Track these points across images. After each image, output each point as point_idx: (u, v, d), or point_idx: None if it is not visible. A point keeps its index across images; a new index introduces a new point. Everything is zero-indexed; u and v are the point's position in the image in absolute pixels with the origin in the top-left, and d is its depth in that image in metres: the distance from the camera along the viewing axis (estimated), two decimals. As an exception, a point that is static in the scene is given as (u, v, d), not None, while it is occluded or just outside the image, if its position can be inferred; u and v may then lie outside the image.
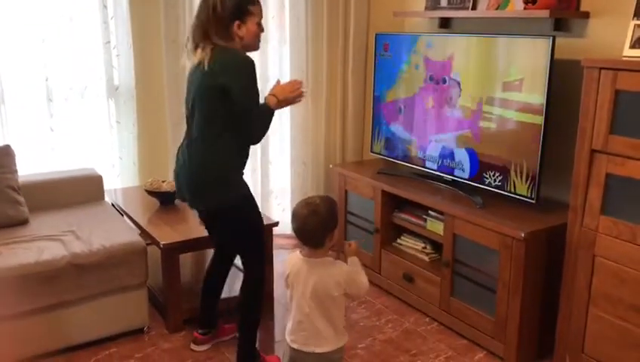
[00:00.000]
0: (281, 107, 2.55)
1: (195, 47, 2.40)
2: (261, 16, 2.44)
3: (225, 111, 2.36)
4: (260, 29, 2.46)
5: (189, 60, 2.48)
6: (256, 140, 2.51)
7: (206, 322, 2.89)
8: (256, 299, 2.65)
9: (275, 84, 2.60)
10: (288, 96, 2.52)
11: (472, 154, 3.09)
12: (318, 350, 2.08)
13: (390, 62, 3.56)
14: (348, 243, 2.21)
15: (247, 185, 2.54)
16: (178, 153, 2.58)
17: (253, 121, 2.42)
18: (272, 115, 2.49)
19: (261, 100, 2.46)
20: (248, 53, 2.41)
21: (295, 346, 2.11)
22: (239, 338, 2.67)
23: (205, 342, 2.88)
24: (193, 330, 2.91)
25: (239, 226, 2.56)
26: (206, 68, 2.33)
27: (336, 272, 2.07)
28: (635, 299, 2.28)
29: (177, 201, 3.28)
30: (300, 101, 2.60)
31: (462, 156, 3.15)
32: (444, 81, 3.20)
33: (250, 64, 2.35)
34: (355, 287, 2.11)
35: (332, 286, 2.06)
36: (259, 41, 2.48)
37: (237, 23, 2.36)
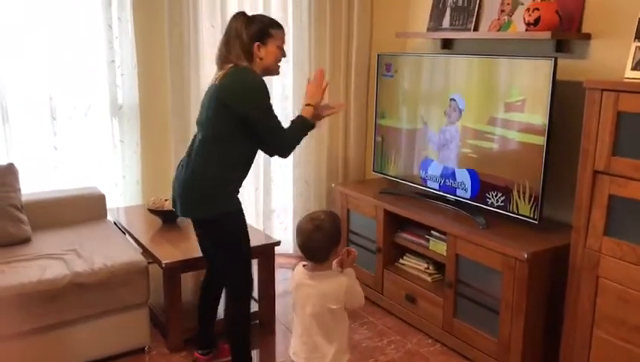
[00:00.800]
0: (319, 118, 2.62)
1: (220, 69, 2.48)
2: (283, 41, 2.51)
3: (230, 127, 2.40)
4: (282, 53, 2.52)
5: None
6: (283, 154, 2.56)
7: (205, 342, 2.87)
8: (243, 325, 2.63)
9: (307, 86, 2.63)
10: (317, 98, 2.57)
11: (474, 175, 3.10)
12: None
13: (392, 82, 3.58)
14: (347, 251, 2.17)
15: (239, 204, 2.53)
16: (180, 163, 2.61)
17: (283, 137, 2.47)
18: (304, 127, 2.53)
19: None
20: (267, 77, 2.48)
21: (296, 359, 2.11)
22: (232, 356, 2.66)
23: (206, 362, 2.87)
24: (194, 350, 2.90)
25: (223, 241, 2.54)
26: (216, 83, 2.40)
27: (336, 285, 2.08)
28: (640, 321, 2.26)
29: (180, 220, 3.28)
30: (337, 112, 2.70)
31: (464, 176, 3.15)
32: (446, 102, 3.21)
33: (259, 83, 2.40)
34: (354, 299, 2.12)
35: (331, 300, 2.06)
36: (279, 65, 2.54)
37: (257, 44, 2.42)
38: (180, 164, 2.60)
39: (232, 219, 2.51)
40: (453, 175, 3.22)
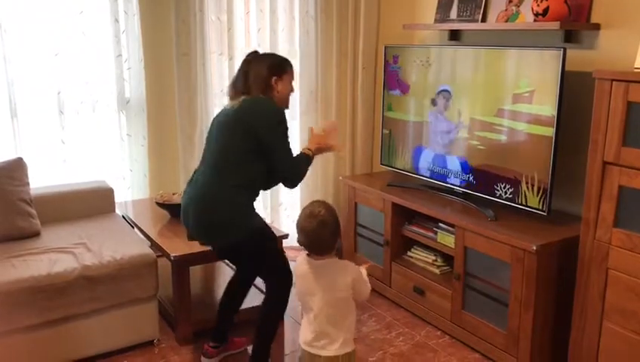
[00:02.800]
0: (320, 152, 2.75)
1: (234, 97, 2.60)
2: (293, 77, 2.68)
3: (251, 152, 2.49)
4: (292, 87, 2.68)
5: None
6: (294, 184, 2.66)
7: (219, 336, 2.88)
8: (274, 325, 2.67)
9: (310, 133, 2.78)
10: (322, 147, 2.72)
11: (482, 166, 3.08)
12: (324, 353, 2.08)
13: (400, 74, 3.57)
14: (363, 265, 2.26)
15: (256, 219, 2.60)
16: (187, 188, 2.64)
17: (290, 167, 2.57)
18: (308, 162, 2.66)
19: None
20: None
21: (305, 347, 2.12)
22: (253, 351, 2.67)
23: (215, 355, 2.87)
24: (203, 343, 2.91)
25: (250, 261, 2.66)
26: (240, 108, 2.50)
27: (343, 272, 2.08)
28: (650, 312, 2.25)
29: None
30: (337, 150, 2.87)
31: (472, 168, 3.14)
32: (454, 93, 3.19)
33: (283, 112, 2.55)
34: (361, 289, 2.13)
35: (340, 286, 2.06)
36: (289, 99, 2.69)
37: (275, 78, 2.57)
38: (187, 186, 2.64)
39: (262, 232, 2.62)
40: (462, 166, 3.20)
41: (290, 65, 2.65)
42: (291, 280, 2.63)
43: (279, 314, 2.68)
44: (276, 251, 2.71)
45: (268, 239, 2.66)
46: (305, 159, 2.64)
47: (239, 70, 2.61)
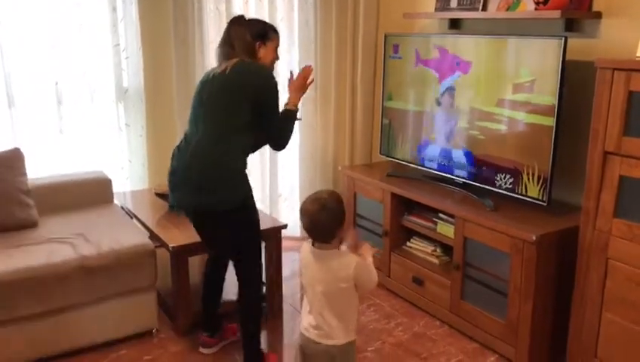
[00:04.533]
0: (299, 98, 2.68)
1: (221, 60, 2.57)
2: (278, 44, 2.66)
3: (247, 114, 2.46)
4: (276, 55, 2.65)
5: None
6: (283, 146, 2.63)
7: (210, 325, 2.89)
8: (255, 311, 2.67)
9: (290, 80, 2.69)
10: (299, 92, 2.66)
11: (482, 156, 3.07)
12: (325, 342, 2.07)
13: (400, 63, 3.54)
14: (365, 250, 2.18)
15: (250, 188, 2.58)
16: (176, 154, 2.60)
17: (278, 130, 2.56)
18: (293, 118, 2.61)
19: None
20: None
21: (306, 334, 2.11)
22: (243, 341, 2.68)
23: (213, 344, 2.88)
24: (201, 333, 2.91)
25: (236, 231, 2.55)
26: (230, 73, 2.45)
27: (345, 263, 2.06)
28: (650, 302, 2.25)
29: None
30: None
31: (472, 158, 3.12)
32: (455, 82, 3.17)
33: (274, 77, 2.54)
34: (364, 280, 2.07)
35: (342, 278, 2.05)
36: (273, 65, 2.66)
37: (259, 43, 2.56)
38: (175, 152, 2.60)
39: (252, 202, 2.59)
40: (462, 157, 3.19)
41: (275, 32, 2.63)
42: (261, 263, 2.66)
43: (256, 301, 2.67)
44: (258, 227, 2.65)
45: (255, 214, 2.63)
46: (290, 116, 2.60)
47: (225, 33, 2.57)
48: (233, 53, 2.51)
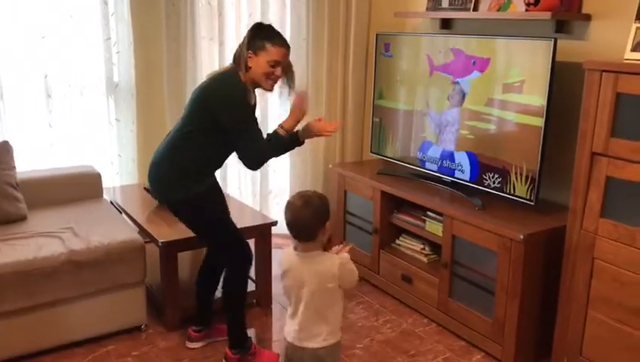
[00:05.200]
0: (312, 136, 2.67)
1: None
2: (275, 59, 2.47)
3: (204, 125, 2.49)
4: (272, 70, 2.49)
5: None
6: (253, 167, 2.63)
7: (201, 319, 2.90)
8: (235, 299, 2.71)
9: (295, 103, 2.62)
10: (294, 118, 2.59)
11: (471, 156, 3.09)
12: (311, 345, 2.08)
13: (391, 62, 3.56)
14: (345, 245, 2.20)
15: (201, 186, 2.57)
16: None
17: (253, 149, 2.51)
18: (278, 145, 2.58)
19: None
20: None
21: (290, 340, 2.11)
22: (227, 327, 2.72)
23: (200, 340, 2.89)
24: (191, 327, 2.91)
25: (194, 224, 2.68)
26: (206, 81, 2.54)
27: (329, 264, 2.07)
28: (634, 302, 2.28)
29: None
30: (330, 134, 2.72)
31: (461, 157, 3.15)
32: (444, 82, 3.19)
33: (240, 91, 2.45)
34: (348, 278, 2.10)
35: (327, 278, 2.06)
36: (268, 80, 2.52)
37: (250, 52, 2.47)
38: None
39: (194, 202, 2.57)
40: (451, 156, 3.21)
41: (276, 45, 2.46)
42: (247, 256, 2.68)
43: (240, 291, 2.72)
44: (223, 226, 2.67)
45: (209, 210, 2.63)
46: (275, 141, 2.56)
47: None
48: (234, 58, 2.54)
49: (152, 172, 2.62)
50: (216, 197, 2.72)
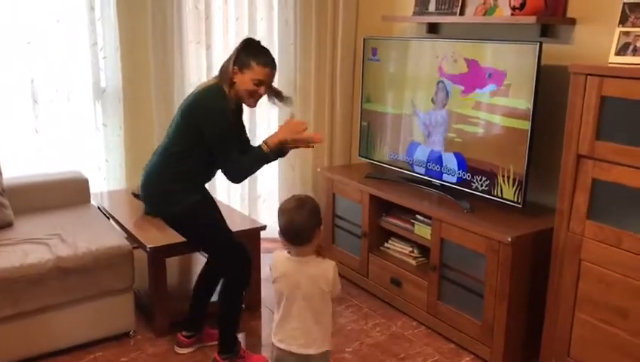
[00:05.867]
0: (293, 147, 2.64)
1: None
2: (260, 78, 2.49)
3: (188, 140, 2.53)
4: (256, 88, 2.51)
5: None
6: (235, 181, 2.65)
7: (192, 325, 2.88)
8: (231, 306, 2.71)
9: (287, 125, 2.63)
10: (281, 137, 2.56)
11: (459, 159, 3.11)
12: (303, 351, 2.07)
13: (378, 66, 3.57)
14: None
15: (191, 198, 2.59)
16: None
17: (234, 164, 2.54)
18: (259, 159, 2.57)
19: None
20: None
21: (281, 346, 2.11)
22: (219, 331, 2.71)
23: (189, 345, 2.88)
24: (180, 332, 2.89)
25: (191, 236, 2.72)
26: (191, 95, 2.56)
27: (325, 267, 2.08)
28: (621, 302, 2.30)
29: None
30: (312, 146, 2.71)
31: (449, 160, 3.16)
32: (432, 86, 3.21)
33: (219, 104, 2.47)
34: (338, 285, 2.13)
35: (323, 283, 2.06)
36: (251, 98, 2.55)
37: (235, 68, 2.49)
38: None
39: (188, 213, 2.60)
40: (439, 159, 3.23)
41: (262, 64, 2.48)
42: (245, 262, 2.68)
43: (236, 298, 2.71)
44: (219, 234, 2.68)
45: (202, 220, 2.64)
46: (258, 156, 2.56)
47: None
48: (221, 73, 2.55)
49: (145, 188, 2.65)
50: (212, 205, 2.77)
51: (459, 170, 3.11)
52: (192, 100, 2.53)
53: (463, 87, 3.02)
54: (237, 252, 2.66)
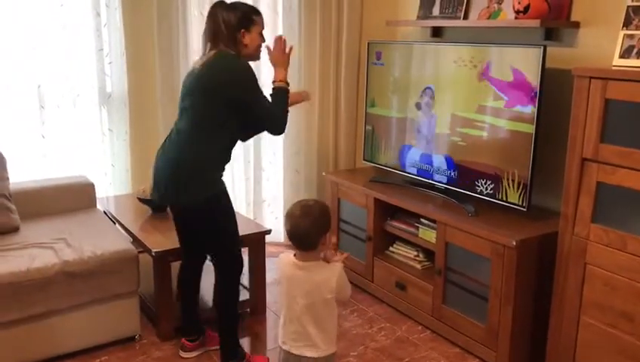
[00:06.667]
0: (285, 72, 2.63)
1: (203, 54, 2.54)
2: (263, 27, 2.58)
3: (220, 113, 2.45)
4: (262, 38, 2.58)
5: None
6: (281, 131, 2.61)
7: (191, 328, 2.89)
8: (232, 302, 2.70)
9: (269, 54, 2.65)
10: (282, 66, 2.60)
11: (464, 163, 3.11)
12: (308, 354, 2.08)
13: (382, 70, 3.58)
14: (340, 253, 2.21)
15: (223, 185, 2.58)
16: (161, 147, 2.62)
17: (271, 114, 2.53)
18: (285, 97, 2.58)
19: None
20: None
21: (286, 348, 2.12)
22: (220, 338, 2.71)
23: (193, 349, 2.88)
24: (182, 338, 2.90)
25: (211, 226, 2.60)
26: (204, 69, 2.43)
27: (329, 274, 2.08)
28: (626, 306, 2.29)
29: (169, 209, 3.28)
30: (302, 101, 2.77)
31: (454, 164, 3.16)
32: (437, 90, 3.21)
33: (249, 69, 2.47)
34: (344, 290, 2.12)
35: (326, 289, 2.06)
36: (259, 49, 2.60)
37: (242, 31, 2.48)
38: (159, 151, 2.61)
39: (221, 200, 2.56)
40: (443, 163, 3.23)
41: (258, 14, 2.54)
42: (241, 260, 2.67)
43: (235, 300, 2.70)
44: (233, 225, 2.66)
45: (229, 210, 2.63)
46: (280, 94, 2.57)
47: (207, 21, 2.51)
48: (216, 41, 2.47)
49: (168, 174, 2.51)
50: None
51: (463, 173, 3.11)
52: (215, 73, 2.42)
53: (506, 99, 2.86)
54: (238, 252, 2.68)
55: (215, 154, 2.51)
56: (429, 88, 3.25)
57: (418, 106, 3.33)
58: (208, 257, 2.85)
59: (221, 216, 2.59)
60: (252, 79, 2.47)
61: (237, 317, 2.73)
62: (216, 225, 2.59)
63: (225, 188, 2.59)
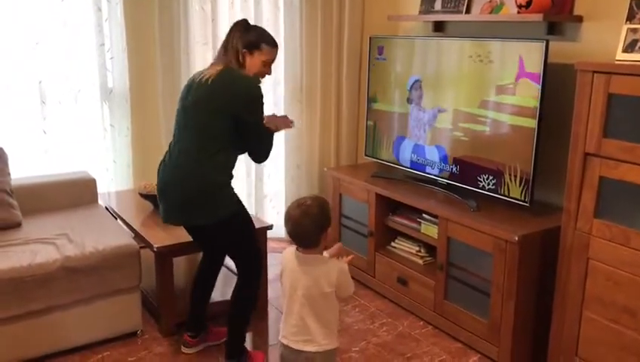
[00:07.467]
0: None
1: (215, 62, 2.57)
2: (270, 58, 2.58)
3: (227, 130, 2.46)
4: (266, 69, 2.59)
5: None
6: (263, 159, 2.65)
7: (195, 325, 2.89)
8: (247, 308, 2.70)
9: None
10: (277, 123, 2.62)
11: (465, 158, 3.10)
12: (307, 349, 2.08)
13: (384, 65, 3.57)
14: (345, 257, 2.22)
15: (237, 198, 2.59)
16: (161, 169, 2.59)
17: (263, 146, 2.57)
18: (272, 136, 2.61)
19: None
20: None
21: (285, 342, 2.12)
22: (228, 336, 2.70)
23: (195, 345, 2.88)
24: (185, 332, 2.90)
25: (230, 242, 2.63)
26: (209, 82, 2.44)
27: (328, 269, 2.08)
28: (628, 301, 2.28)
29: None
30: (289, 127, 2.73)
31: (455, 159, 3.15)
32: (439, 85, 3.20)
33: (260, 90, 2.49)
34: (345, 286, 2.12)
35: (325, 283, 2.06)
36: (259, 78, 2.59)
37: (244, 51, 2.51)
38: (161, 166, 2.60)
39: (240, 213, 2.59)
40: (444, 158, 3.22)
41: (269, 44, 2.55)
42: (262, 264, 2.69)
43: (250, 299, 2.70)
44: (252, 233, 2.68)
45: (247, 220, 2.65)
46: (271, 134, 2.60)
47: (226, 35, 2.56)
48: (225, 56, 2.52)
49: (181, 202, 2.49)
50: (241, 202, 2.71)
51: (464, 168, 3.10)
52: (227, 84, 2.44)
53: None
54: (259, 256, 2.69)
55: (225, 171, 2.53)
56: (417, 81, 3.23)
57: (413, 100, 3.32)
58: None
59: (241, 226, 2.62)
60: (259, 99, 2.48)
61: (250, 315, 2.72)
62: (240, 235, 2.62)
63: (238, 198, 2.61)
